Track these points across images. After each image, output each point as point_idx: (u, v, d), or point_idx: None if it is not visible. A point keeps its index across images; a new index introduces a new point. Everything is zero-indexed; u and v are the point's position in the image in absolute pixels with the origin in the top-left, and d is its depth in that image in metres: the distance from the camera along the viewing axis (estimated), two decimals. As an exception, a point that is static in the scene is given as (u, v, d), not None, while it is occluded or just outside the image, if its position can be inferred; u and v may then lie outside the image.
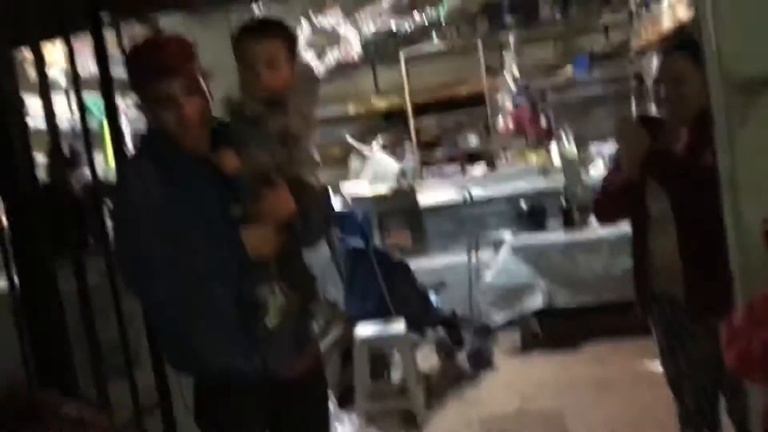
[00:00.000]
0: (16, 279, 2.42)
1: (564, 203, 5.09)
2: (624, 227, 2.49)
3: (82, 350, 2.46)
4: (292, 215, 1.81)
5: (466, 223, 5.62)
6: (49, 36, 3.39)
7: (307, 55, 6.34)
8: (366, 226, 5.33)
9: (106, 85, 2.40)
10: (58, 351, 2.34)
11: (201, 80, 1.78)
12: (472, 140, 6.65)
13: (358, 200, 6.22)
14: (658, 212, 2.24)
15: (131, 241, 1.69)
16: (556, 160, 5.94)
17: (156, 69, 1.72)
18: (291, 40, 1.85)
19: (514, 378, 4.66)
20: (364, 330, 4.16)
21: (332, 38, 6.43)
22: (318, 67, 6.35)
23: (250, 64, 1.79)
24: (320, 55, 6.47)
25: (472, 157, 6.75)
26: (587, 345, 4.95)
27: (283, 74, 1.80)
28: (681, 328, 2.28)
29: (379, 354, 4.47)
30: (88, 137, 2.53)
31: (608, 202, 2.40)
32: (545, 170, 6.08)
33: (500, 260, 5.03)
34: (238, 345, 1.79)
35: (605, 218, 2.65)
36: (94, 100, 5.33)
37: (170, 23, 3.23)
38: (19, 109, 2.31)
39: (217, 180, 1.77)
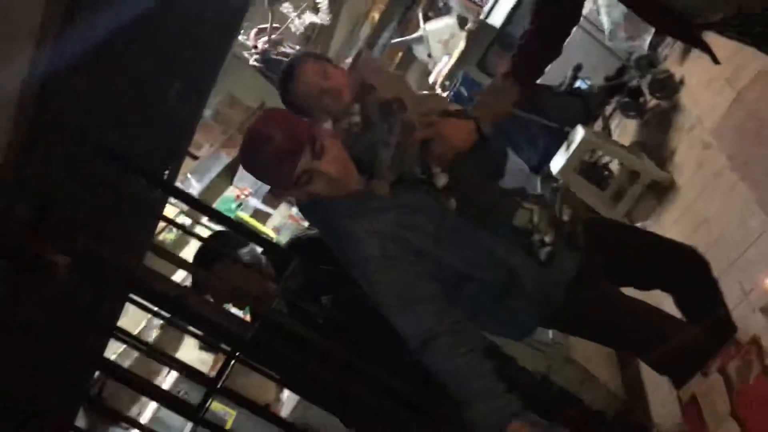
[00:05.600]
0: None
1: None
2: None
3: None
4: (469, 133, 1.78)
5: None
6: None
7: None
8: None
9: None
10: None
11: (317, 127, 1.76)
12: None
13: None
14: None
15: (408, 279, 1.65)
16: None
17: (278, 158, 1.66)
18: (314, 55, 2.00)
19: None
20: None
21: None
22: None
23: (310, 91, 1.89)
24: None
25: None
26: None
27: (338, 76, 1.90)
28: None
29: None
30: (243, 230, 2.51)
31: None
32: None
33: None
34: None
35: None
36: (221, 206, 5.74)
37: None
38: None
39: (402, 189, 1.77)
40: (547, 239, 1.76)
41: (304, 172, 1.67)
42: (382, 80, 1.89)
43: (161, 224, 3.19)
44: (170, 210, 4.60)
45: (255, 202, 6.04)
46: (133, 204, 2.13)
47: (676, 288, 1.90)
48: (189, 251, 4.81)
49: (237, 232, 2.30)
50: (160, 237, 4.75)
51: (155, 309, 2.10)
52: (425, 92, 2.02)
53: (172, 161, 2.23)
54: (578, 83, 4.60)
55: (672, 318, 1.82)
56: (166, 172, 2.20)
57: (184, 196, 2.26)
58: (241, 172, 6.21)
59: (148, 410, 3.57)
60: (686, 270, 1.92)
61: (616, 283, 1.85)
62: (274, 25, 5.27)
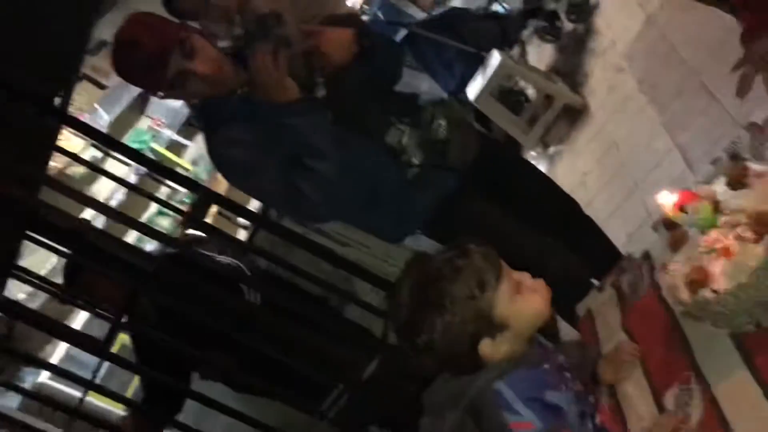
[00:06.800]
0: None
1: None
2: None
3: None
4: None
5: None
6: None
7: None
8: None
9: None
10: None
11: (186, 29, 1.73)
12: None
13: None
14: None
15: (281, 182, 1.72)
16: None
17: (147, 63, 1.64)
18: None
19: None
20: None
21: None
22: None
23: (198, 10, 1.85)
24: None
25: None
26: None
27: None
28: None
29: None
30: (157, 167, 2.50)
31: None
32: None
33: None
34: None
35: None
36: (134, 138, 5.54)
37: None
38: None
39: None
40: (414, 160, 1.80)
41: (178, 73, 1.65)
42: None
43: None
44: (79, 143, 4.39)
45: (170, 134, 5.82)
46: (23, 133, 2.01)
47: (560, 233, 1.94)
48: (100, 186, 4.64)
49: (146, 167, 2.21)
50: (68, 171, 4.54)
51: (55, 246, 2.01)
52: None
53: (64, 86, 2.10)
54: (495, 6, 4.57)
55: (554, 251, 1.87)
56: (58, 98, 2.07)
57: (79, 125, 2.15)
58: (154, 102, 5.95)
59: (62, 346, 3.50)
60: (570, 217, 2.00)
61: (505, 213, 1.87)
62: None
